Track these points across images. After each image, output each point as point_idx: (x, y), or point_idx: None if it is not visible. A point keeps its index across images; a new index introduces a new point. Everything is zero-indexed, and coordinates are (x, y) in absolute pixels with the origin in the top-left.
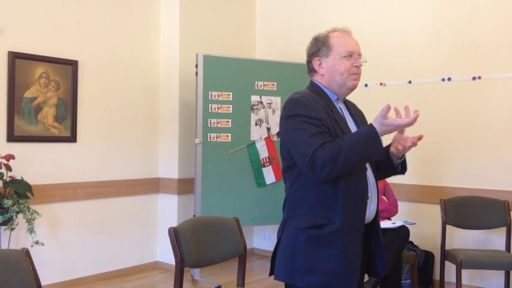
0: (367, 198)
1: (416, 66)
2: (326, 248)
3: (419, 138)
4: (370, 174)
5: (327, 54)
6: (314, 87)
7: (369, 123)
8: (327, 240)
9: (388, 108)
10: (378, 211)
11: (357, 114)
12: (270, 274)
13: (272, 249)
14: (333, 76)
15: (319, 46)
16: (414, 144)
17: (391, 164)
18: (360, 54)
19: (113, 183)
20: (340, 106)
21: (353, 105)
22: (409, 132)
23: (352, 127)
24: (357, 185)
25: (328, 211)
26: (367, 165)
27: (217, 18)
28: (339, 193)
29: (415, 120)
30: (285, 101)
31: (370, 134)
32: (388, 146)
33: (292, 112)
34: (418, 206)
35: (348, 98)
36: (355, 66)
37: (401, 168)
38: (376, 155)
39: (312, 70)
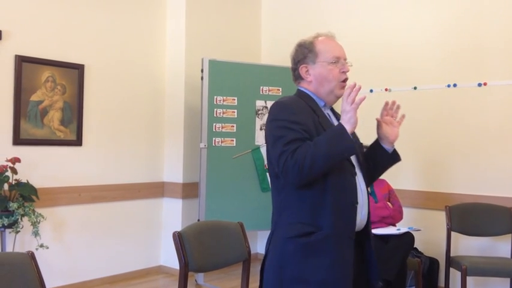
0: (357, 203)
1: (422, 72)
2: (316, 256)
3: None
4: (360, 179)
5: (313, 60)
6: (301, 94)
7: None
8: (316, 248)
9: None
10: (369, 218)
11: None
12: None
13: None
14: (321, 83)
15: (305, 53)
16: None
17: (385, 152)
18: (345, 59)
19: (117, 187)
20: (328, 112)
21: (337, 113)
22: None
23: None
24: (345, 190)
25: (316, 218)
26: (357, 170)
27: (222, 23)
28: (327, 199)
29: (358, 90)
30: (272, 104)
31: (335, 129)
32: (377, 141)
33: (275, 116)
34: (423, 212)
35: None
36: (343, 72)
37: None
38: (344, 149)
39: (298, 77)
